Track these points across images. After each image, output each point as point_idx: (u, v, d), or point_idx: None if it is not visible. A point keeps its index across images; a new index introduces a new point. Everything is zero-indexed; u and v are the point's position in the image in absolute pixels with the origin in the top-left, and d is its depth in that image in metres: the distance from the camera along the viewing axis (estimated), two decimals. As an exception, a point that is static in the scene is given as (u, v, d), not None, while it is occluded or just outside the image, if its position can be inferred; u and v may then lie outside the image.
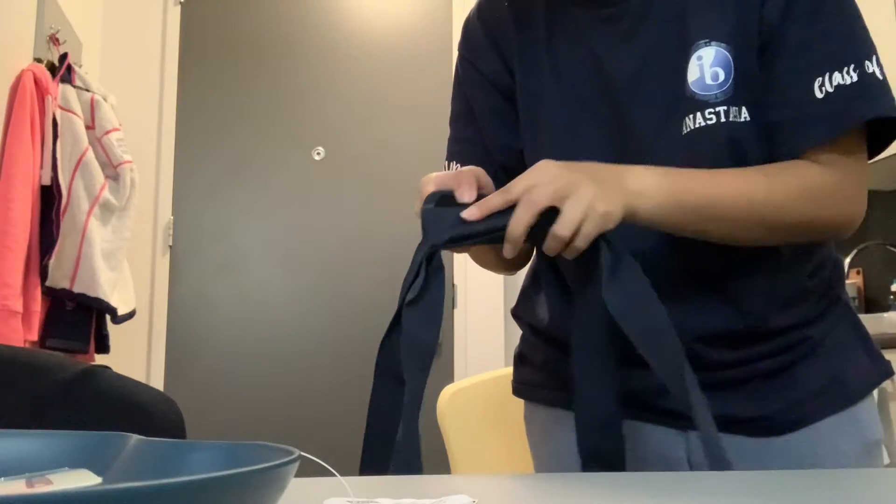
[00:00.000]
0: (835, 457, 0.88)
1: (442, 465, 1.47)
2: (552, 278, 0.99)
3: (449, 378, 2.93)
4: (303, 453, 0.36)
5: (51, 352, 1.60)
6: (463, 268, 3.00)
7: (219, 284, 3.00)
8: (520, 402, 1.12)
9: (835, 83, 0.81)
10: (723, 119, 0.84)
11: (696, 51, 0.86)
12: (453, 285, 3.01)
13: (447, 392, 1.64)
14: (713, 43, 0.85)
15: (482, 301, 2.97)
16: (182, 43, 3.11)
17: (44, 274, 2.22)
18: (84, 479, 0.42)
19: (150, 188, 2.98)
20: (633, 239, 0.80)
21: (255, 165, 3.06)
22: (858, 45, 0.83)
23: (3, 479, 0.42)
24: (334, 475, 0.49)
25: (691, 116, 0.85)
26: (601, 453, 0.79)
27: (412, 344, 0.76)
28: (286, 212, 3.05)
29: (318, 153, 3.08)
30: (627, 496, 0.57)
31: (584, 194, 0.74)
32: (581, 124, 0.92)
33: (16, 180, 2.13)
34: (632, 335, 0.74)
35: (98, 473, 0.43)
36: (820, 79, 0.82)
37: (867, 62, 0.81)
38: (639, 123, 0.88)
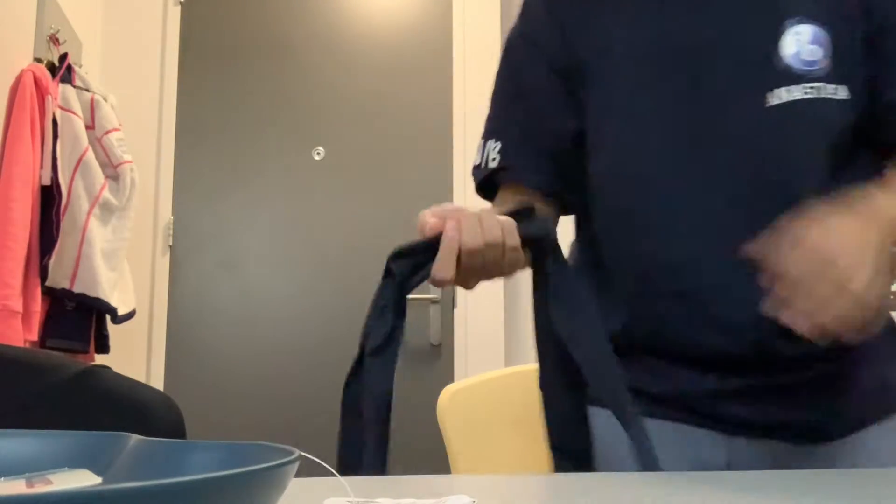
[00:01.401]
0: (879, 463, 0.86)
1: (442, 465, 1.47)
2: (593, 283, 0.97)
3: (449, 378, 2.93)
4: (303, 453, 0.36)
5: (51, 352, 1.60)
6: (463, 268, 3.00)
7: (219, 284, 3.00)
8: (519, 402, 1.11)
9: None
10: (822, 95, 0.82)
11: (791, 26, 0.84)
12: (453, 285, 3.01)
13: (447, 392, 1.64)
14: (809, 21, 0.84)
15: (482, 301, 2.97)
16: (182, 43, 3.11)
17: (44, 274, 2.22)
18: (84, 479, 0.42)
19: (150, 188, 2.97)
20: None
21: (255, 165, 3.06)
22: None
23: (3, 479, 0.42)
24: (334, 475, 0.49)
25: (785, 89, 0.83)
26: (569, 450, 0.79)
27: (374, 396, 0.75)
28: (286, 212, 3.05)
29: (318, 153, 3.08)
30: (628, 496, 0.57)
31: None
32: (647, 98, 0.90)
33: (16, 180, 2.13)
34: (577, 359, 0.75)
35: (98, 473, 0.43)
36: None
37: None
38: (713, 94, 0.86)
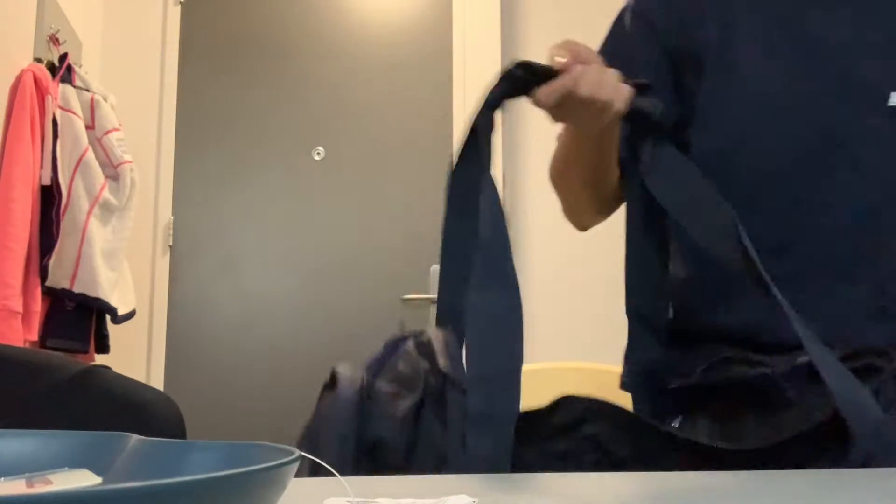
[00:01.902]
0: None
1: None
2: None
3: (449, 378, 2.93)
4: (303, 453, 0.36)
5: (51, 352, 1.60)
6: (463, 268, 3.00)
7: (219, 284, 3.00)
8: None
9: None
10: None
11: None
12: (453, 285, 3.01)
13: (447, 392, 1.64)
14: None
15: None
16: (182, 43, 3.11)
17: (44, 274, 2.22)
18: (84, 479, 0.42)
19: (150, 188, 2.97)
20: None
21: (255, 165, 3.06)
22: None
23: (3, 479, 0.42)
24: (334, 475, 0.49)
25: None
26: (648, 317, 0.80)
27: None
28: (286, 212, 3.05)
29: (318, 153, 3.08)
30: (629, 496, 0.57)
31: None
32: (785, 93, 0.89)
33: (16, 180, 2.13)
34: (689, 226, 0.74)
35: (98, 473, 0.43)
36: None
37: None
38: (858, 93, 0.86)
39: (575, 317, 3.05)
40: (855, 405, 0.58)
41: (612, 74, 0.78)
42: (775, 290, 0.70)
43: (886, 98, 0.85)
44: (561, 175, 1.01)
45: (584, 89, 0.75)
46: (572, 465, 0.59)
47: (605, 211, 1.03)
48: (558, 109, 0.77)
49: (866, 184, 0.87)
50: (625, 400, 1.16)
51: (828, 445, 0.57)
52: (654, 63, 0.99)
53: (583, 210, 1.04)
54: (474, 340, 0.61)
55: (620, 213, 1.02)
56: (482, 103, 0.77)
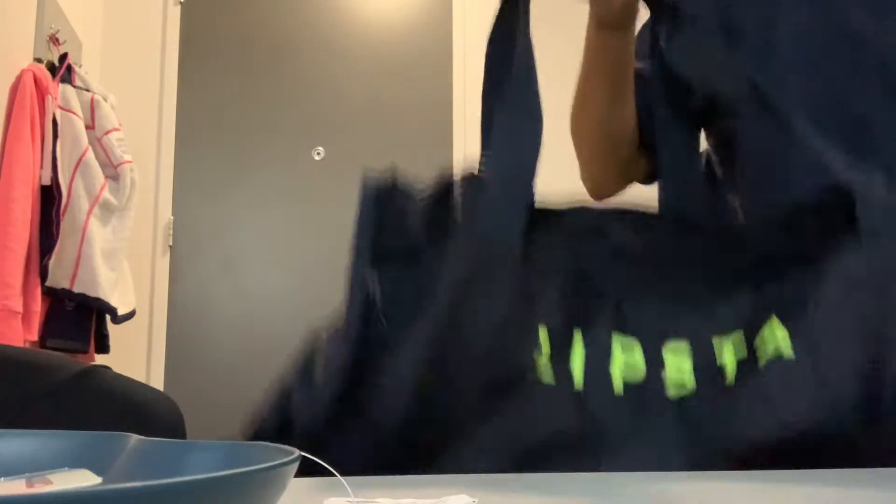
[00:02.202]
0: None
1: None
2: None
3: (449, 378, 2.93)
4: (303, 453, 0.36)
5: (51, 352, 1.60)
6: (463, 268, 3.01)
7: (219, 284, 3.00)
8: None
9: None
10: None
11: None
12: (453, 285, 3.01)
13: (447, 392, 1.64)
14: None
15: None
16: (182, 43, 3.11)
17: (44, 274, 2.22)
18: (84, 479, 0.42)
19: (150, 188, 2.98)
20: None
21: (255, 165, 3.06)
22: None
23: (3, 479, 0.42)
24: (334, 475, 0.49)
25: None
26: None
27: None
28: (286, 212, 3.05)
29: (318, 153, 3.08)
30: (629, 495, 0.57)
31: None
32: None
33: (16, 180, 2.13)
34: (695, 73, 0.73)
35: (98, 473, 0.43)
36: None
37: None
38: None
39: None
40: (859, 178, 0.58)
41: None
42: (797, 122, 0.65)
43: None
44: (578, 117, 0.94)
45: None
46: (578, 244, 0.62)
47: (622, 176, 0.95)
48: None
49: None
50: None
51: (835, 217, 0.56)
52: None
53: (598, 169, 0.97)
54: (496, 150, 0.65)
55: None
56: None
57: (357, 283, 0.64)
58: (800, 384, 0.52)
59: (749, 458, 0.51)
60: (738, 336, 0.55)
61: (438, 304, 0.57)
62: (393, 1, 3.19)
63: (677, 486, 0.62)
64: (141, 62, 3.05)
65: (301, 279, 3.01)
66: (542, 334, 0.57)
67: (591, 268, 0.61)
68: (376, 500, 0.50)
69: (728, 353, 0.55)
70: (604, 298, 0.59)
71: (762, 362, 0.53)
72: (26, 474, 0.42)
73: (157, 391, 0.96)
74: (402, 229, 0.65)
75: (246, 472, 0.29)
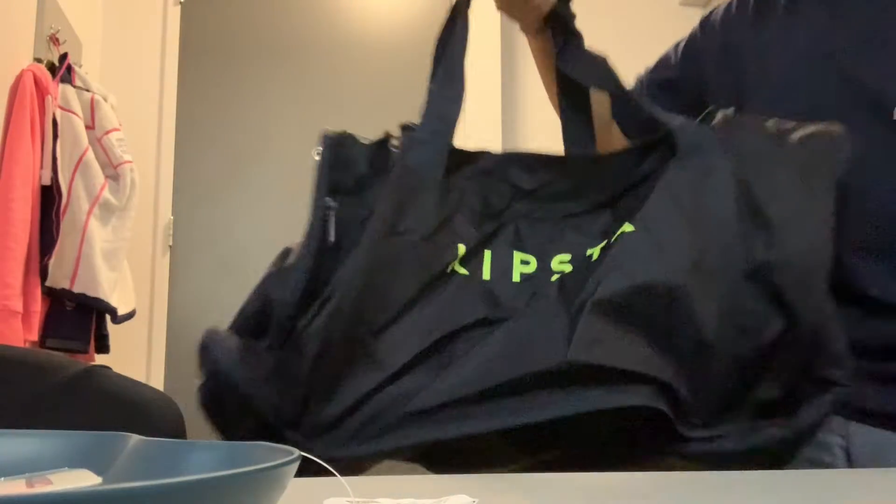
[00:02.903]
0: None
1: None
2: None
3: (449, 378, 2.93)
4: (303, 453, 0.36)
5: (51, 352, 1.60)
6: (463, 268, 3.01)
7: (219, 284, 3.00)
8: None
9: None
10: None
11: None
12: (453, 285, 3.01)
13: (447, 392, 1.63)
14: None
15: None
16: (182, 43, 3.11)
17: (44, 274, 2.22)
18: (84, 479, 0.42)
19: (150, 188, 2.98)
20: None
21: (255, 165, 3.06)
22: None
23: (3, 479, 0.42)
24: (334, 475, 0.49)
25: None
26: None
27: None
28: (286, 212, 3.05)
29: (319, 153, 3.08)
30: (630, 495, 0.57)
31: None
32: None
33: (16, 180, 2.13)
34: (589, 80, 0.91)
35: (98, 473, 0.43)
36: None
37: None
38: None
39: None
40: (677, 123, 0.81)
41: None
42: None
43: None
44: (552, 101, 1.06)
45: None
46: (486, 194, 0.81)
47: (606, 145, 1.02)
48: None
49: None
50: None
51: (665, 149, 0.80)
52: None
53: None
54: (428, 109, 0.86)
55: None
56: None
57: (318, 207, 0.83)
58: (639, 251, 0.70)
59: (605, 306, 0.67)
60: (604, 244, 0.74)
61: (379, 220, 0.73)
62: (393, 1, 3.19)
63: (677, 486, 0.62)
64: (141, 62, 3.05)
65: (301, 279, 3.02)
66: (460, 249, 0.74)
67: (494, 200, 0.80)
68: (376, 499, 0.50)
69: (595, 252, 0.73)
70: (505, 224, 0.78)
71: (613, 239, 0.72)
72: (26, 474, 0.42)
73: (157, 391, 0.96)
74: (351, 167, 0.86)
75: (246, 472, 0.29)
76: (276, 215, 3.05)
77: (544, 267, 0.75)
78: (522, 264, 0.75)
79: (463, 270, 0.74)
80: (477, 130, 3.08)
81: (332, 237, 0.79)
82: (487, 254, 0.75)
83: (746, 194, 0.72)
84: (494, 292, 0.73)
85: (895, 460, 0.84)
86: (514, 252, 0.76)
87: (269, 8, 3.17)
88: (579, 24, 0.99)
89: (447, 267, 0.73)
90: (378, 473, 0.67)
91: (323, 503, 0.50)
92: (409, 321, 0.70)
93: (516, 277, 0.74)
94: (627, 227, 0.71)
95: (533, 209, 0.79)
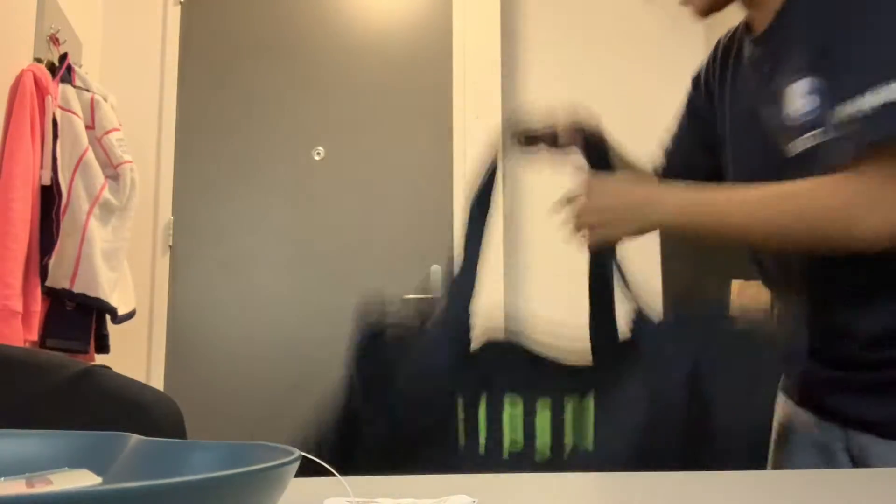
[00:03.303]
0: None
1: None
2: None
3: (449, 378, 2.93)
4: (303, 453, 0.36)
5: (51, 352, 1.60)
6: (463, 268, 3.00)
7: (219, 284, 3.00)
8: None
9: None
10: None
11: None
12: (453, 285, 3.01)
13: (447, 392, 1.63)
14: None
15: (482, 300, 2.97)
16: (182, 43, 3.11)
17: (44, 274, 2.22)
18: (84, 479, 0.42)
19: (150, 188, 2.98)
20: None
21: (255, 165, 3.07)
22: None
23: (3, 479, 0.42)
24: (334, 475, 0.49)
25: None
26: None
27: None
28: (286, 212, 3.05)
29: (318, 153, 3.08)
30: (628, 495, 0.57)
31: (604, 225, 1.03)
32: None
33: (16, 180, 2.13)
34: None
35: (98, 473, 0.43)
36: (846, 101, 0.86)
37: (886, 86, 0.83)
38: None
39: (574, 316, 3.04)
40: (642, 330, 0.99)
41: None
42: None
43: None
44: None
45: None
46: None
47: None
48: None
49: None
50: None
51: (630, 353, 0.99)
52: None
53: None
54: (449, 293, 1.06)
55: None
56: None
57: (348, 375, 1.01)
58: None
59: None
60: (575, 400, 0.94)
61: (398, 386, 0.95)
62: (393, 1, 3.19)
63: (676, 487, 0.62)
64: (141, 62, 3.05)
65: (301, 279, 3.01)
66: (460, 405, 0.95)
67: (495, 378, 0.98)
68: (376, 500, 0.50)
69: (567, 417, 0.94)
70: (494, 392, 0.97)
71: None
72: (26, 474, 0.42)
73: (157, 391, 0.96)
74: (381, 346, 1.00)
75: (246, 472, 0.29)
76: (276, 215, 3.05)
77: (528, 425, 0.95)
78: (511, 411, 0.96)
79: (462, 430, 0.98)
80: (478, 129, 3.08)
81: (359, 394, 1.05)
82: (482, 405, 0.98)
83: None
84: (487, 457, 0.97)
85: (879, 461, 0.92)
86: (506, 399, 0.97)
87: (269, 8, 3.17)
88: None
89: (448, 424, 0.97)
90: (378, 473, 0.67)
91: (323, 503, 0.50)
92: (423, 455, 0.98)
93: (506, 445, 0.96)
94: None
95: (509, 383, 1.00)
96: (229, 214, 3.04)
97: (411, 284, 3.00)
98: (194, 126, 3.07)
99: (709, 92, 1.14)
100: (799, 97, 0.91)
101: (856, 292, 0.95)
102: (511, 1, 3.29)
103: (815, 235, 0.88)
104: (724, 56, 1.11)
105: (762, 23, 1.01)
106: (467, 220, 1.04)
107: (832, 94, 0.87)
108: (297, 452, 0.35)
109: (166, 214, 3.01)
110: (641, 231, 1.00)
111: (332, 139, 3.09)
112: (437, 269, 3.01)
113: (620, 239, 1.02)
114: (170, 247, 2.99)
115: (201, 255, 3.01)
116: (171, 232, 3.00)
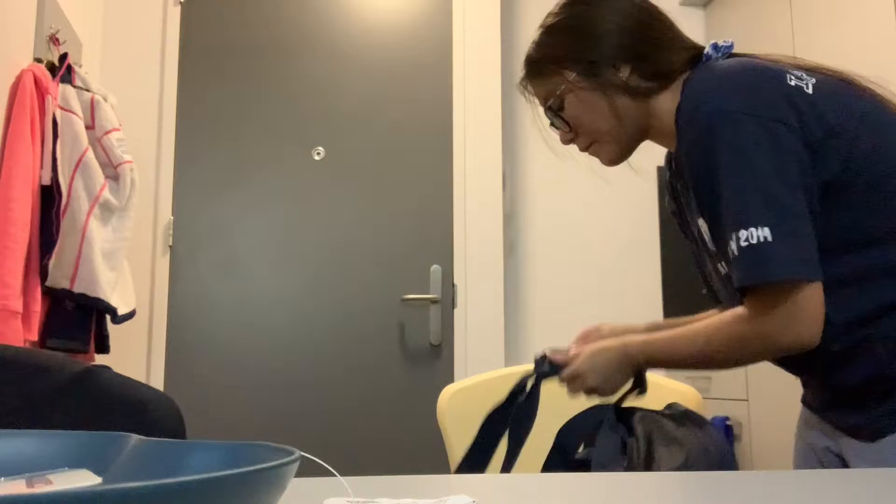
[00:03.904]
0: None
1: (442, 465, 1.47)
2: None
3: (449, 378, 2.93)
4: (303, 453, 0.36)
5: (51, 352, 1.60)
6: (463, 267, 3.00)
7: (219, 284, 3.00)
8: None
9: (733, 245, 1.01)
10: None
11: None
12: (453, 285, 3.01)
13: (447, 392, 1.64)
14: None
15: (482, 301, 2.97)
16: (182, 43, 3.11)
17: (44, 274, 2.22)
18: (84, 479, 0.42)
19: (150, 188, 2.98)
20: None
21: (255, 165, 3.06)
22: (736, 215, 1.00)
23: (3, 479, 0.42)
24: (334, 475, 0.49)
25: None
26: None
27: (518, 423, 1.20)
28: (286, 212, 3.05)
29: (318, 153, 3.08)
30: (627, 495, 0.57)
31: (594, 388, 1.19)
32: None
33: (16, 180, 2.13)
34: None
35: (98, 473, 0.43)
36: (725, 243, 1.03)
37: (742, 231, 0.98)
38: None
39: (575, 317, 3.05)
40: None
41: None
42: None
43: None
44: None
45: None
46: None
47: None
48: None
49: None
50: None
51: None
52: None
53: None
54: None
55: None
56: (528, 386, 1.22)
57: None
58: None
59: None
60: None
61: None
62: (393, 1, 3.19)
63: (674, 487, 0.62)
64: (141, 62, 3.06)
65: (301, 279, 3.01)
66: None
67: None
68: (376, 500, 0.50)
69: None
70: None
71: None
72: (26, 474, 0.42)
73: (157, 391, 0.96)
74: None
75: (246, 472, 0.29)
76: (276, 215, 3.05)
77: None
78: None
79: None
80: (478, 129, 3.08)
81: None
82: None
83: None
84: None
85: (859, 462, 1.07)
86: None
87: (269, 8, 3.17)
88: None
89: None
90: (378, 473, 0.67)
91: (323, 503, 0.50)
92: None
93: None
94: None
95: None
96: (229, 214, 3.04)
97: (411, 284, 3.00)
98: (194, 126, 3.07)
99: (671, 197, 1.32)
100: (705, 231, 1.09)
101: None
102: (511, 1, 3.29)
103: (750, 355, 1.08)
104: (670, 174, 1.29)
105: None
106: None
107: (714, 234, 1.06)
108: (297, 452, 0.35)
109: (166, 214, 3.01)
110: (626, 380, 1.20)
111: (332, 139, 3.09)
112: (437, 269, 3.01)
113: (615, 392, 1.20)
114: (170, 247, 2.99)
115: (201, 255, 3.01)
116: (171, 232, 3.00)
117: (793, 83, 1.04)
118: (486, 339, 2.94)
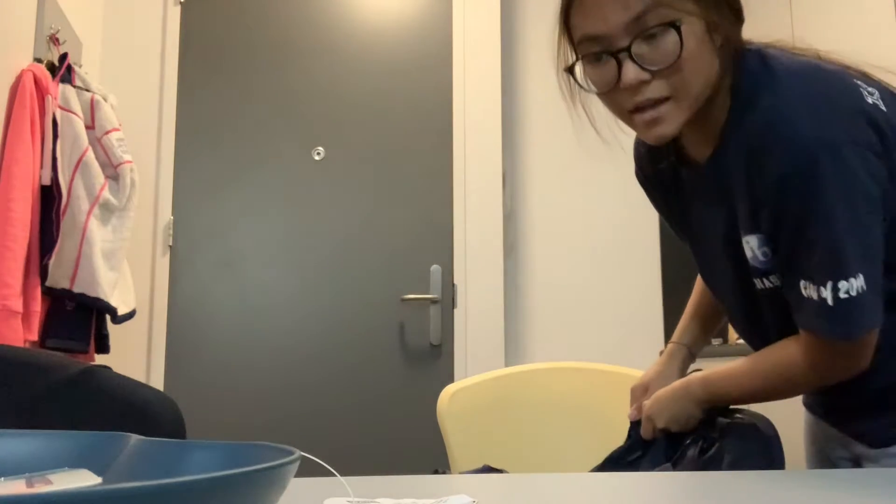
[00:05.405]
0: None
1: (442, 465, 1.46)
2: None
3: (449, 378, 2.93)
4: (303, 453, 0.36)
5: (51, 352, 1.60)
6: (463, 267, 3.00)
7: (219, 284, 3.00)
8: (518, 403, 1.19)
9: (809, 293, 0.97)
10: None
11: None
12: (453, 285, 3.01)
13: (447, 392, 1.64)
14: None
15: (482, 301, 2.97)
16: (182, 43, 3.11)
17: (44, 274, 2.22)
18: (84, 479, 0.42)
19: (150, 188, 2.97)
20: None
21: (255, 165, 3.06)
22: (837, 264, 0.94)
23: (3, 479, 0.42)
24: (334, 475, 0.49)
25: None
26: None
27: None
28: (286, 212, 3.05)
29: (318, 153, 3.08)
30: (627, 495, 0.57)
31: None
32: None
33: (16, 180, 2.13)
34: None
35: (98, 473, 0.43)
36: (803, 281, 0.97)
37: (842, 282, 0.93)
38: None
39: (575, 317, 3.05)
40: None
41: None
42: None
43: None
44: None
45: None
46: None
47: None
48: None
49: None
50: (621, 402, 1.21)
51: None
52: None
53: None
54: None
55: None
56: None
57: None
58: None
59: None
60: None
61: None
62: (393, 1, 3.19)
63: (676, 487, 0.62)
64: (141, 62, 3.05)
65: (301, 279, 3.01)
66: None
67: None
68: (376, 500, 0.50)
69: None
70: None
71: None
72: (26, 474, 0.42)
73: (157, 391, 0.96)
74: None
75: (246, 472, 0.29)
76: (276, 215, 3.05)
77: None
78: None
79: None
80: (478, 129, 3.08)
81: None
82: None
83: None
84: None
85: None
86: None
87: (269, 8, 3.17)
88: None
89: None
90: (378, 473, 0.67)
91: (323, 503, 0.50)
92: None
93: None
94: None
95: None
96: (229, 214, 3.04)
97: (411, 284, 3.00)
98: (194, 126, 3.07)
99: (645, 177, 1.26)
100: (756, 248, 1.03)
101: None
102: (511, 1, 3.29)
103: (804, 390, 1.15)
104: (653, 159, 1.20)
105: (699, 154, 1.08)
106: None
107: (787, 266, 0.99)
108: (298, 452, 0.35)
109: (166, 214, 3.01)
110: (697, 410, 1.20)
111: (332, 139, 3.08)
112: (436, 269, 3.01)
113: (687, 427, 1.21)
114: (170, 247, 2.99)
115: (201, 255, 3.01)
116: (171, 232, 3.00)
117: (870, 101, 0.96)
118: (486, 339, 2.94)
